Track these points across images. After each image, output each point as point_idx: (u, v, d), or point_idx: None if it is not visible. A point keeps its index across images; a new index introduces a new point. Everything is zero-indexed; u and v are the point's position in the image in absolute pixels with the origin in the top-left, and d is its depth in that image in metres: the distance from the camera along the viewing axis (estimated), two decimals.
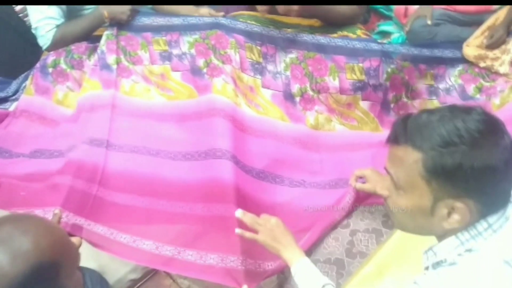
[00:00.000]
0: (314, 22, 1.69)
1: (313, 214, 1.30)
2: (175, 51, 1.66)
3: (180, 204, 1.37)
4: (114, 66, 1.63)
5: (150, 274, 1.38)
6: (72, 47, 1.67)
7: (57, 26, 1.65)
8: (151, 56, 1.67)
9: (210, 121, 1.47)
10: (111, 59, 1.63)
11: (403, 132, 0.65)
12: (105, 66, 1.62)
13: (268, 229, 1.00)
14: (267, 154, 1.47)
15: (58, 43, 1.66)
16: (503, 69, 1.62)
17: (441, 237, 0.69)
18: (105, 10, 1.61)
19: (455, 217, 0.63)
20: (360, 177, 1.25)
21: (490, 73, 1.65)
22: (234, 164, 1.35)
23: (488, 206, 0.63)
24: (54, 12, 1.63)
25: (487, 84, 1.66)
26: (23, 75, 1.78)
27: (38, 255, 0.66)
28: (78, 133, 1.48)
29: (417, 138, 0.63)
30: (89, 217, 1.34)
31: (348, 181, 1.34)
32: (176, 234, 1.33)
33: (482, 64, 1.66)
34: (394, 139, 0.68)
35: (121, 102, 1.58)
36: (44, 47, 1.69)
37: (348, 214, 1.31)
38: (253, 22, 1.64)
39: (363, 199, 1.33)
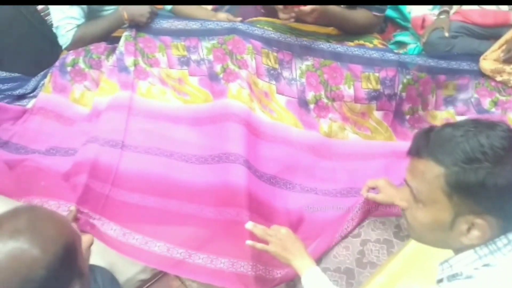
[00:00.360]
0: (331, 30, 1.69)
1: (323, 221, 1.30)
2: (194, 57, 1.67)
3: (191, 206, 1.38)
4: (132, 68, 1.64)
5: (160, 275, 1.39)
6: (91, 47, 1.70)
7: (78, 26, 1.68)
8: (169, 60, 1.69)
9: (224, 126, 1.48)
10: (129, 61, 1.65)
11: (426, 146, 0.65)
12: (123, 68, 1.64)
13: (279, 239, 1.00)
14: (280, 160, 1.47)
15: (78, 43, 1.69)
16: None
17: (458, 250, 0.68)
18: (125, 11, 1.64)
19: (475, 233, 0.63)
20: (372, 188, 1.24)
21: (506, 87, 1.64)
22: (247, 169, 1.36)
23: (509, 222, 0.62)
24: (75, 12, 1.66)
25: (503, 98, 1.65)
26: (42, 73, 1.81)
27: (62, 238, 0.69)
28: (94, 133, 1.50)
29: (440, 152, 0.63)
30: (103, 215, 1.35)
31: (359, 190, 1.34)
32: (187, 236, 1.34)
33: (498, 78, 1.65)
34: (416, 152, 0.68)
35: (137, 104, 1.60)
36: (64, 46, 1.72)
37: (359, 223, 1.31)
38: (270, 29, 1.66)
39: (375, 210, 1.32)
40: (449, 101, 1.69)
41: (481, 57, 1.67)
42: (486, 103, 1.66)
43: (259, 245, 1.03)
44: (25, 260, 0.62)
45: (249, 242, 1.05)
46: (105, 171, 1.41)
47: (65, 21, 1.66)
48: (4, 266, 0.61)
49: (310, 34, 1.68)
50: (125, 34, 1.67)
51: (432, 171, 0.64)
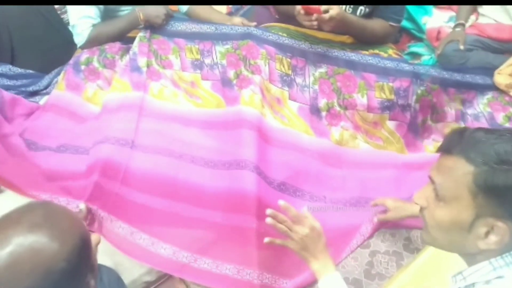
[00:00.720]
0: (346, 38, 1.69)
1: (333, 231, 1.28)
2: (207, 61, 1.67)
3: (198, 210, 1.37)
4: (144, 69, 1.65)
5: (165, 278, 1.39)
6: (106, 46, 1.70)
7: (93, 25, 1.68)
8: (183, 63, 1.69)
9: (236, 132, 1.47)
10: (142, 61, 1.66)
11: (458, 143, 0.65)
12: (136, 68, 1.64)
13: (300, 238, 0.96)
14: (289, 166, 1.46)
15: (93, 42, 1.69)
16: None
17: (471, 260, 0.67)
18: (141, 12, 1.64)
19: (493, 238, 0.62)
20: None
21: None
22: (257, 175, 1.35)
23: None
24: (92, 11, 1.67)
25: None
26: (55, 70, 1.82)
27: (78, 231, 0.70)
28: (105, 131, 1.50)
29: (472, 151, 0.63)
30: (112, 213, 1.35)
31: (369, 200, 1.33)
32: (194, 239, 1.34)
33: None
34: (446, 149, 0.67)
35: (149, 104, 1.59)
36: (79, 45, 1.72)
37: (369, 238, 1.30)
38: (284, 35, 1.66)
39: (384, 223, 1.31)
40: (460, 115, 1.68)
41: (496, 72, 1.66)
42: (500, 117, 1.65)
43: (278, 241, 1.00)
44: (46, 253, 0.63)
45: (267, 239, 1.01)
46: (114, 169, 1.40)
47: (82, 20, 1.67)
48: (26, 260, 0.62)
49: (324, 42, 1.68)
50: (140, 35, 1.68)
51: (461, 169, 0.63)
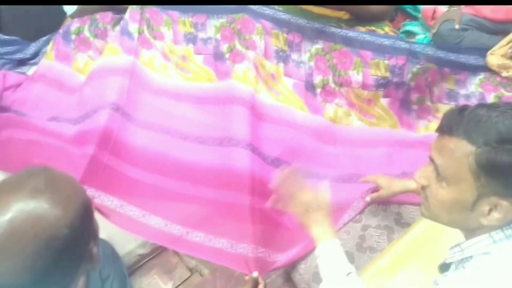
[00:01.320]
0: (343, 14, 1.67)
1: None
2: (201, 35, 1.64)
3: (190, 186, 1.36)
4: (136, 35, 1.60)
5: (158, 250, 1.40)
6: (98, 16, 1.65)
7: None
8: (175, 36, 1.65)
9: (227, 108, 1.45)
10: (133, 27, 1.61)
11: (459, 124, 0.64)
12: (126, 33, 1.59)
13: (302, 202, 0.94)
14: (283, 142, 1.46)
15: (84, 11, 1.64)
16: None
17: (471, 234, 0.68)
18: None
19: (496, 215, 0.63)
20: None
21: None
22: (250, 152, 1.34)
23: None
24: None
25: (508, 94, 1.65)
26: (43, 39, 1.76)
27: (80, 196, 0.69)
28: (96, 98, 1.46)
29: (474, 131, 0.62)
30: (100, 188, 1.34)
31: (361, 177, 1.35)
32: (185, 213, 1.33)
33: (504, 74, 1.65)
34: (447, 129, 0.66)
35: (140, 72, 1.55)
36: (68, 13, 1.67)
37: (361, 212, 1.32)
38: (280, 8, 1.63)
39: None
40: (452, 95, 1.70)
41: (489, 52, 1.67)
42: (491, 97, 1.67)
43: (280, 204, 0.98)
44: (49, 219, 0.62)
45: (269, 203, 0.99)
46: (104, 136, 1.37)
47: None
48: (29, 226, 0.60)
49: (321, 17, 1.66)
50: (132, 6, 1.63)
51: (463, 149, 0.63)
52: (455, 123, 0.64)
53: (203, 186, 1.36)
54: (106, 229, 1.28)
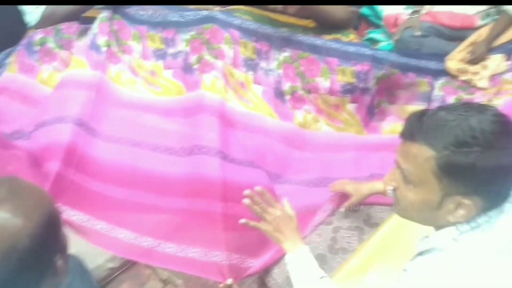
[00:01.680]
0: (309, 23, 1.71)
1: (297, 211, 1.31)
2: (171, 50, 1.65)
3: (160, 198, 1.35)
4: (104, 48, 1.59)
5: (129, 263, 1.37)
6: (62, 26, 1.63)
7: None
8: (144, 51, 1.65)
9: (197, 118, 1.46)
10: (102, 40, 1.59)
11: (419, 130, 0.67)
12: (94, 47, 1.58)
13: (273, 219, 0.99)
14: (255, 149, 1.47)
15: (47, 21, 1.61)
16: (482, 83, 1.70)
17: (440, 227, 0.71)
18: None
19: (461, 212, 0.66)
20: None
21: (470, 86, 1.72)
22: (221, 159, 1.34)
23: (492, 202, 0.66)
24: None
25: (467, 96, 1.73)
26: (5, 52, 1.71)
27: (44, 207, 0.67)
28: (59, 110, 1.43)
29: (433, 136, 0.65)
30: (65, 203, 1.31)
31: (331, 180, 1.37)
32: (156, 225, 1.32)
33: (463, 78, 1.73)
34: (409, 135, 0.69)
35: (107, 86, 1.54)
36: (30, 24, 1.63)
37: (331, 214, 1.34)
38: (248, 18, 1.65)
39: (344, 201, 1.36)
40: (422, 97, 1.75)
41: (447, 57, 1.75)
42: (451, 100, 1.74)
43: (252, 223, 1.02)
44: (9, 229, 0.60)
45: (243, 220, 1.02)
46: (70, 152, 1.35)
47: None
48: None
49: (287, 25, 1.69)
50: (101, 16, 1.62)
51: (424, 155, 0.66)
52: (416, 129, 0.68)
53: (173, 196, 1.35)
54: (73, 244, 1.24)
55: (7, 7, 1.77)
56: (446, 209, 0.67)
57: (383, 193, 1.18)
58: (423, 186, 0.68)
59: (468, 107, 0.66)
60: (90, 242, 1.27)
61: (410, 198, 0.71)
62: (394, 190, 0.75)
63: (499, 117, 0.64)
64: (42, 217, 0.65)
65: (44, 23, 1.62)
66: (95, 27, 1.60)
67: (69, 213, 1.30)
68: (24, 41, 1.63)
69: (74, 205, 1.31)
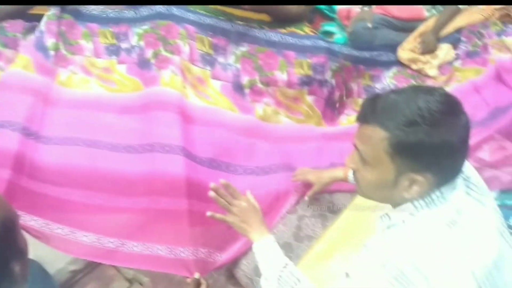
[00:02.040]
0: (264, 17, 1.73)
1: (266, 200, 1.33)
2: (124, 45, 1.61)
3: (121, 198, 1.33)
4: (52, 52, 1.54)
5: (93, 265, 1.33)
6: (6, 24, 1.55)
7: None
8: (96, 49, 1.61)
9: (156, 114, 1.43)
10: (49, 42, 1.54)
11: (372, 112, 0.70)
12: (42, 48, 1.52)
13: (239, 211, 1.00)
14: (217, 144, 1.47)
15: None
16: (432, 72, 1.79)
17: (398, 204, 0.75)
18: None
19: (415, 188, 0.70)
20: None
21: (421, 75, 1.81)
22: (184, 157, 1.33)
23: (443, 178, 0.70)
24: None
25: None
26: None
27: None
28: (3, 115, 1.36)
29: (384, 118, 0.68)
30: (22, 209, 1.25)
31: (295, 170, 1.40)
32: (119, 225, 1.30)
33: (414, 67, 1.81)
34: (363, 118, 0.73)
35: (55, 93, 1.49)
36: None
37: (297, 203, 1.37)
38: (203, 12, 1.65)
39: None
40: (369, 91, 1.82)
41: (399, 47, 1.83)
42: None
43: (218, 216, 1.03)
44: None
45: (209, 213, 1.03)
46: (19, 161, 1.29)
47: None
48: None
49: (243, 20, 1.70)
50: (48, 14, 1.55)
51: (377, 135, 0.69)
52: (369, 112, 0.71)
53: (135, 195, 1.33)
54: (32, 248, 1.20)
55: None
56: (402, 187, 0.71)
57: (344, 179, 1.22)
58: (379, 166, 0.71)
59: (417, 89, 0.70)
60: (50, 246, 1.23)
61: (368, 178, 0.74)
62: (354, 172, 0.78)
63: (446, 97, 0.68)
64: None
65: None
66: (43, 24, 1.53)
67: (25, 218, 1.24)
68: None
69: (31, 211, 1.26)
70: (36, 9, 1.59)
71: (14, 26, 1.56)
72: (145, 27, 1.61)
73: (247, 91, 1.63)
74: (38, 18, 1.56)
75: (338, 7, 2.05)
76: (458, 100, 0.70)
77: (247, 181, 1.42)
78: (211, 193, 1.01)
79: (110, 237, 1.27)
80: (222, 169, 1.43)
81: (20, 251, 0.69)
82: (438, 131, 0.65)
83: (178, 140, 1.36)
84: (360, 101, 1.79)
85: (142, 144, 1.39)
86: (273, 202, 1.36)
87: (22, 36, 1.57)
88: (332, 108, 1.72)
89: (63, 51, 1.56)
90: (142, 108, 1.48)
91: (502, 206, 1.21)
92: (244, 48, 1.67)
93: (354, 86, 1.78)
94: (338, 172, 1.24)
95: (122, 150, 1.40)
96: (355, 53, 1.76)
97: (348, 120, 1.74)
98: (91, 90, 1.54)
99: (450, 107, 0.68)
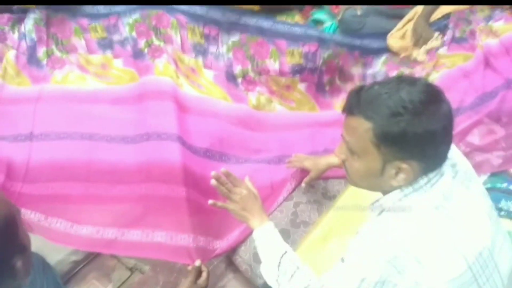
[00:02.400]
0: (254, 7, 1.74)
1: (261, 189, 1.34)
2: (116, 37, 1.62)
3: (120, 187, 1.34)
4: (44, 61, 1.56)
5: (93, 255, 1.35)
6: None
7: None
8: (88, 45, 1.62)
9: (151, 104, 1.45)
10: (41, 51, 1.56)
11: (357, 104, 0.73)
12: (35, 61, 1.56)
13: (239, 199, 1.02)
14: (212, 133, 1.49)
15: None
16: (421, 57, 1.80)
17: (387, 192, 0.78)
18: None
19: (401, 176, 0.73)
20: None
21: (410, 61, 1.83)
22: (180, 145, 1.35)
23: (429, 165, 0.73)
24: None
25: (408, 71, 1.84)
26: None
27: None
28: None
29: (369, 109, 0.71)
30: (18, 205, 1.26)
31: (289, 157, 1.42)
32: (117, 215, 1.31)
33: (403, 54, 1.83)
34: (349, 110, 0.75)
35: (47, 92, 1.51)
36: None
37: (293, 190, 1.40)
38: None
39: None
40: (362, 76, 1.84)
41: (388, 35, 1.84)
42: (393, 75, 1.84)
43: (219, 203, 1.04)
44: None
45: (210, 201, 1.04)
46: (14, 169, 1.33)
47: None
48: None
49: (233, 9, 1.70)
50: (34, 17, 1.56)
51: (362, 127, 0.71)
52: (354, 104, 0.73)
53: (133, 183, 1.34)
54: (32, 239, 1.21)
55: None
56: (388, 175, 0.74)
57: (339, 166, 1.24)
58: (366, 155, 0.74)
59: (400, 80, 0.72)
60: (49, 240, 1.24)
61: (356, 167, 0.77)
62: (344, 162, 0.81)
63: (427, 87, 0.71)
64: None
65: None
66: (31, 29, 1.56)
67: (23, 212, 1.25)
68: None
69: (29, 207, 1.28)
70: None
71: (0, 20, 1.55)
72: (135, 17, 1.61)
73: (239, 80, 1.65)
74: (24, 10, 1.55)
75: None
76: (440, 90, 0.72)
77: (242, 171, 1.43)
78: (212, 181, 1.02)
79: (109, 227, 1.28)
80: (216, 159, 1.45)
81: (22, 246, 0.71)
82: (420, 121, 0.68)
83: (174, 129, 1.38)
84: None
85: (139, 134, 1.41)
86: (269, 190, 1.39)
87: (9, 29, 1.56)
88: (323, 92, 1.74)
89: (57, 53, 1.59)
90: (137, 98, 1.50)
91: (493, 189, 1.24)
92: (235, 38, 1.68)
93: (354, 71, 1.79)
94: (333, 159, 1.26)
95: (119, 141, 1.42)
96: (346, 40, 1.77)
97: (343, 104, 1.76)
98: (88, 86, 1.56)
99: (432, 97, 0.70)
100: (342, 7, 1.89)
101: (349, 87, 1.77)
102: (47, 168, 1.34)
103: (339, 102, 1.73)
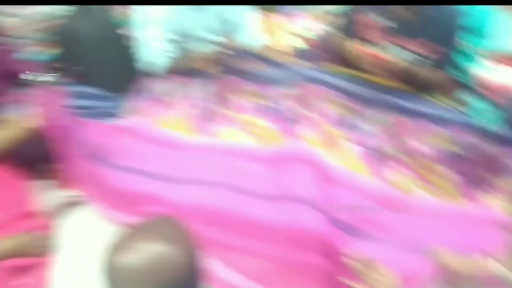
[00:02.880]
0: (397, 84, 1.79)
1: (403, 277, 1.30)
2: (269, 104, 1.80)
3: (258, 243, 1.43)
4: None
5: None
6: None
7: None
8: (242, 105, 1.82)
9: (296, 167, 1.54)
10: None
11: None
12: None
13: (374, 282, 1.03)
14: (350, 206, 1.50)
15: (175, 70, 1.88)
16: None
17: None
18: None
19: None
20: None
21: None
22: (320, 212, 1.40)
23: None
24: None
25: None
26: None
27: (194, 242, 0.80)
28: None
29: None
30: None
31: (426, 248, 1.34)
32: (247, 266, 1.38)
33: None
34: None
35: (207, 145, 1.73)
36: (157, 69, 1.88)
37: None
38: (341, 75, 1.78)
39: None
40: None
41: None
42: None
43: (352, 284, 1.06)
44: (168, 261, 0.73)
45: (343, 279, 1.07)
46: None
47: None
48: (159, 267, 0.72)
49: (376, 85, 1.78)
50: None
51: None
52: None
53: (270, 242, 1.41)
54: None
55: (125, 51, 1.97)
56: None
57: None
58: None
59: None
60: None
61: None
62: None
63: None
64: (195, 251, 0.78)
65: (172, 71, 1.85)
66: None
67: None
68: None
69: None
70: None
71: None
72: (287, 88, 1.77)
73: (384, 158, 1.66)
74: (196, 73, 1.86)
75: (480, 76, 1.94)
76: None
77: (375, 251, 1.42)
78: (348, 259, 1.04)
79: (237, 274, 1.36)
80: (355, 235, 1.45)
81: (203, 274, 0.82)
82: None
83: (316, 196, 1.44)
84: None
85: (283, 194, 1.49)
86: (406, 281, 1.33)
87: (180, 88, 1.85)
88: (471, 184, 1.63)
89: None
90: (283, 160, 1.60)
91: None
92: (382, 115, 1.72)
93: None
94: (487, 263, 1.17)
95: (262, 197, 1.51)
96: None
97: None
98: (236, 140, 1.73)
99: None
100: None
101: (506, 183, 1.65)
102: (190, 210, 1.48)
103: (488, 196, 1.62)
